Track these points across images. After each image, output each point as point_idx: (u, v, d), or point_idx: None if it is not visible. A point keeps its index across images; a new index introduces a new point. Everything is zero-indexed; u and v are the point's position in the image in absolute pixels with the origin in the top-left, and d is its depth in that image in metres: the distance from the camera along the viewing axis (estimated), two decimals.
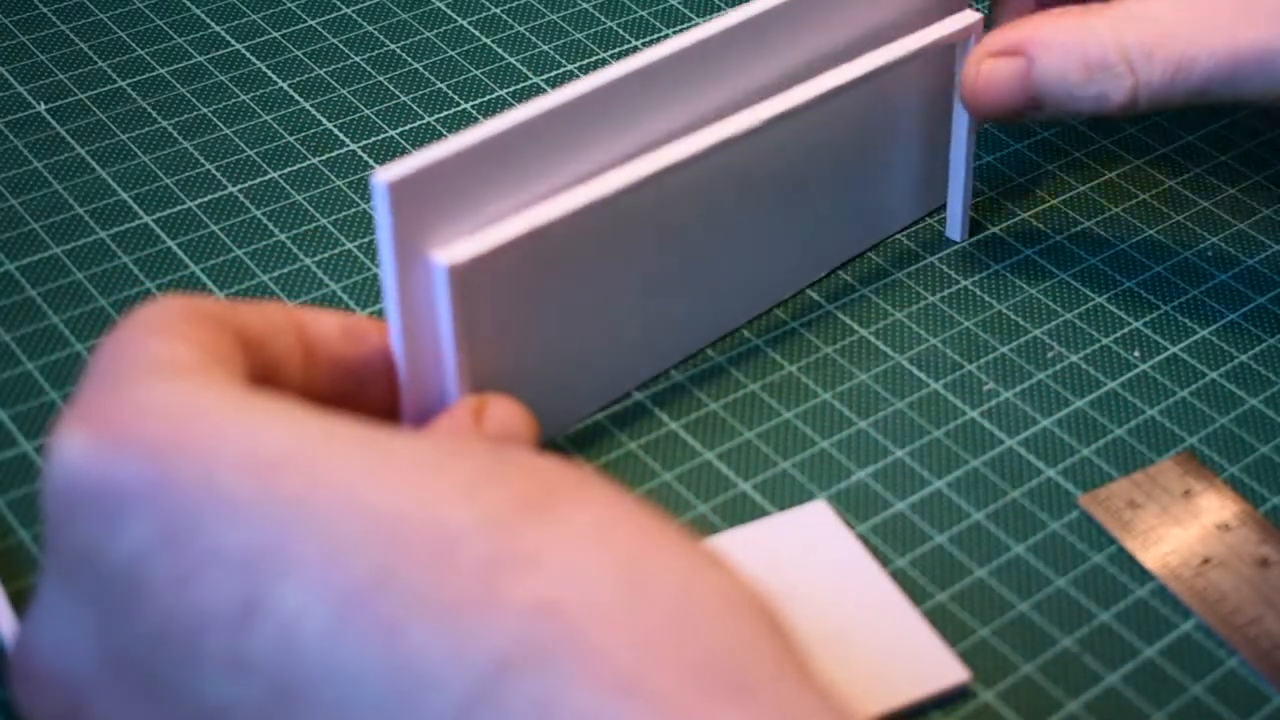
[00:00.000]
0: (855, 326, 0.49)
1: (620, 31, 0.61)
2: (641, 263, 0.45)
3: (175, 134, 0.56)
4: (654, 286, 0.45)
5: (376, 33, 0.61)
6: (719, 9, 0.63)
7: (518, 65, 0.59)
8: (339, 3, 0.62)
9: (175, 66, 0.59)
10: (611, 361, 0.46)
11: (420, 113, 0.57)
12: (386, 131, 0.56)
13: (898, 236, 0.52)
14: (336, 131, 0.56)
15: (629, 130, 0.42)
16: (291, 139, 0.56)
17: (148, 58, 0.59)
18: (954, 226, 0.52)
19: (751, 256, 0.48)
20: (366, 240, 0.52)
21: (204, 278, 0.50)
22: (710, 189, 0.45)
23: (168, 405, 0.32)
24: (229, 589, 0.30)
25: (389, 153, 0.55)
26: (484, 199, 0.40)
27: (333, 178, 0.54)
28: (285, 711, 0.30)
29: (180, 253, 0.51)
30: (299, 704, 0.29)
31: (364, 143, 0.56)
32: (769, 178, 0.47)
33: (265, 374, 0.37)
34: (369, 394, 0.40)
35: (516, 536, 0.30)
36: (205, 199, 0.53)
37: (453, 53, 0.60)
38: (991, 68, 0.47)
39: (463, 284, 0.40)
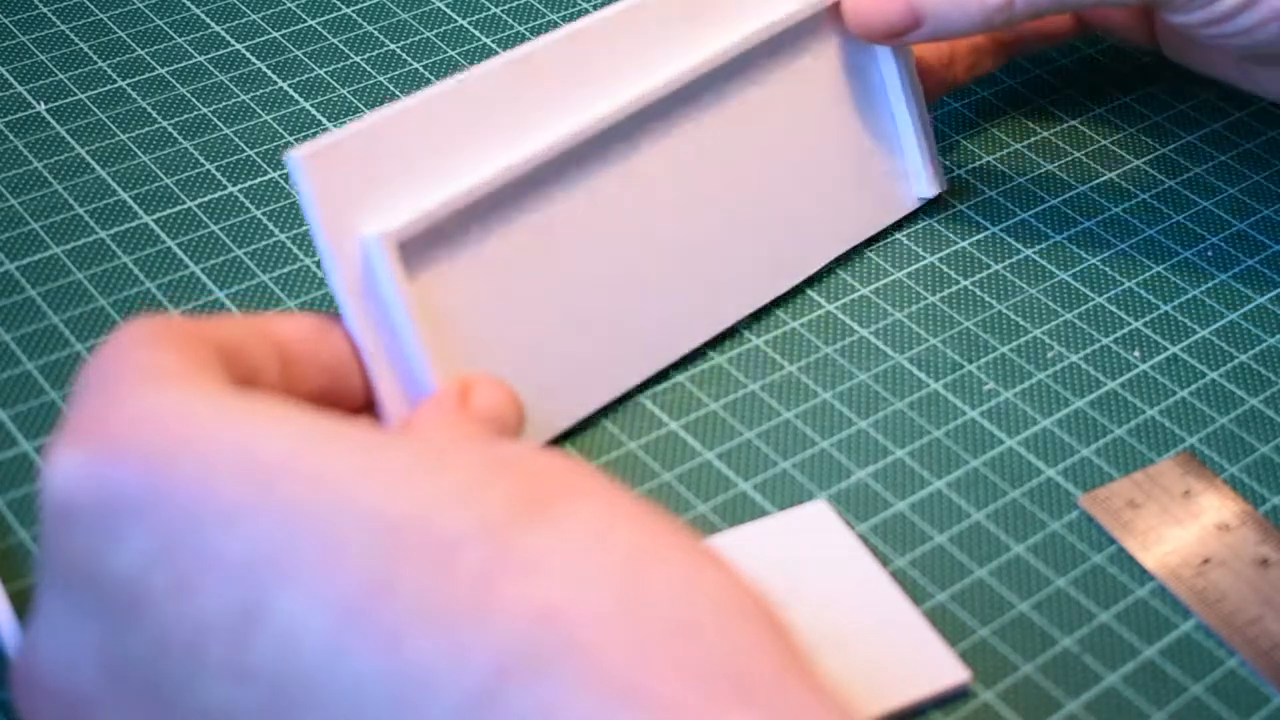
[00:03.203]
0: (855, 326, 0.49)
1: None
2: (609, 256, 0.44)
3: (175, 134, 0.56)
4: (627, 282, 0.45)
5: (376, 33, 0.61)
6: None
7: None
8: (339, 3, 0.62)
9: (175, 66, 0.59)
10: (600, 361, 0.45)
11: None
12: None
13: (897, 236, 0.52)
14: None
15: (562, 104, 0.42)
16: (291, 139, 0.56)
17: (148, 58, 0.59)
18: (921, 182, 0.52)
19: (733, 252, 0.48)
20: None
21: (204, 278, 0.50)
22: (674, 182, 0.45)
23: (160, 412, 0.32)
24: (229, 596, 0.30)
25: None
26: (415, 176, 0.40)
27: None
28: (286, 719, 0.30)
29: (180, 253, 0.51)
30: (300, 711, 0.29)
31: None
32: (735, 169, 0.46)
33: (245, 382, 0.36)
34: (347, 387, 0.40)
35: (515, 541, 0.30)
36: (205, 199, 0.53)
37: (453, 53, 0.60)
38: None
39: (400, 253, 0.39)
